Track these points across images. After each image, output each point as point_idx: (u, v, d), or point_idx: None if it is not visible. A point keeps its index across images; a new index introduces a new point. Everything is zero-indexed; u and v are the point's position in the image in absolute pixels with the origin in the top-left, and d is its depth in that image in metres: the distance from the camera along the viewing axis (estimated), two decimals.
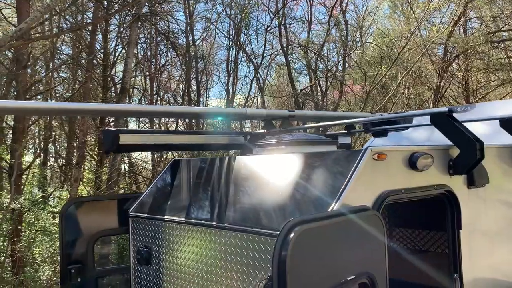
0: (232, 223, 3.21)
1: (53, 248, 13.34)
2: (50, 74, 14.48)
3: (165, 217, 3.85)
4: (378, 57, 17.35)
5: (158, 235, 3.89)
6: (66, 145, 16.76)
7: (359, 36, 20.15)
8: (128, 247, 4.36)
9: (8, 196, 11.41)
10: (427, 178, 3.34)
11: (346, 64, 19.07)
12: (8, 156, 12.42)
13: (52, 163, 18.16)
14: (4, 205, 11.25)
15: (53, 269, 12.37)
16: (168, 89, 19.28)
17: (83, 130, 14.91)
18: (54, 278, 11.84)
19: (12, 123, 12.98)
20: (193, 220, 3.56)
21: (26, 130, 12.73)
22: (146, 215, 4.09)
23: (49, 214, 14.48)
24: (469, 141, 3.43)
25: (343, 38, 17.96)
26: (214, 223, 3.35)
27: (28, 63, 11.90)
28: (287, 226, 2.19)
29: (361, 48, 19.55)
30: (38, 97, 14.39)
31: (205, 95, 19.41)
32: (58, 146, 17.03)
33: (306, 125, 4.66)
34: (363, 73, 16.55)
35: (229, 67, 17.91)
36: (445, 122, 3.55)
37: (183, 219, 3.66)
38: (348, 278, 2.46)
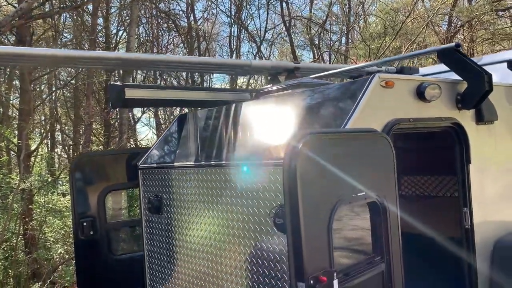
0: (241, 160, 3.22)
1: (64, 230, 13.51)
2: None
3: (174, 164, 3.87)
4: (382, 30, 17.17)
5: (168, 183, 3.92)
6: (72, 129, 16.86)
7: (362, 10, 19.94)
8: (138, 200, 4.40)
9: (18, 177, 11.52)
10: (435, 110, 3.33)
11: (350, 39, 18.91)
12: (16, 139, 12.51)
13: (60, 149, 18.31)
14: (14, 184, 11.36)
15: (65, 248, 12.54)
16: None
17: (88, 113, 14.99)
18: (67, 256, 12.01)
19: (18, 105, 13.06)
20: (203, 163, 3.57)
21: (32, 112, 12.79)
22: (155, 165, 4.11)
23: (59, 196, 14.63)
24: (477, 73, 3.41)
25: (346, 11, 17.78)
26: (223, 162, 3.37)
27: (31, 44, 11.89)
28: (295, 137, 2.19)
29: (364, 22, 19.36)
30: (43, 77, 14.46)
31: (209, 76, 19.38)
32: (64, 129, 17.12)
33: (311, 76, 4.64)
34: (367, 46, 16.41)
35: (231, 44, 17.83)
36: (452, 57, 3.53)
37: (192, 163, 3.68)
38: (358, 194, 2.47)
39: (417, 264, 4.01)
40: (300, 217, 2.07)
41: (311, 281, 2.07)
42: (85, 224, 4.26)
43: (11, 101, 14.62)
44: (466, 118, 3.61)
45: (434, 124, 3.33)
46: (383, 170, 2.68)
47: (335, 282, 2.15)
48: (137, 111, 18.87)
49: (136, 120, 17.72)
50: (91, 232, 4.28)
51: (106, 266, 4.34)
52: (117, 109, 14.53)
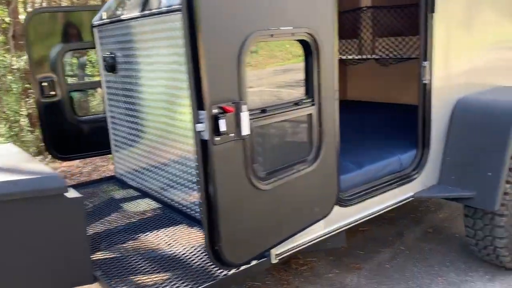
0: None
1: None
2: None
3: (121, 17, 3.65)
4: None
5: (119, 39, 3.74)
6: None
7: None
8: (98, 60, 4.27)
9: (11, 57, 11.36)
10: None
11: None
12: (8, 18, 12.10)
13: None
14: (8, 63, 11.23)
15: None
16: None
17: None
18: None
19: None
20: (154, 10, 3.33)
21: None
22: (108, 20, 3.90)
23: None
24: None
25: None
26: (154, 10, 3.13)
27: None
28: None
29: None
30: None
31: None
32: None
33: None
34: None
35: None
36: None
37: (131, 15, 3.44)
38: (283, 28, 2.27)
39: (367, 120, 3.93)
40: (199, 40, 1.90)
41: (214, 110, 1.97)
42: (44, 84, 4.19)
43: None
44: None
45: None
46: (318, 4, 2.43)
47: (244, 114, 2.06)
48: None
49: None
50: (52, 93, 4.23)
51: (70, 127, 4.36)
52: None
